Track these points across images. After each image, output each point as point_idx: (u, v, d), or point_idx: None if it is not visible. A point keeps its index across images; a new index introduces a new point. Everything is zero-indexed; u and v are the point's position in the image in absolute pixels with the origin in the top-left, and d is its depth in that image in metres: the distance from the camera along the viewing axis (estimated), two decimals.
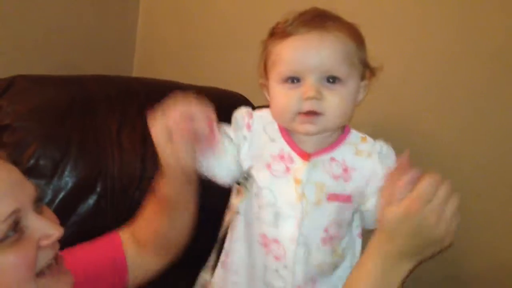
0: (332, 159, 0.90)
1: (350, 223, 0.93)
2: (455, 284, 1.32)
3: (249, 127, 0.93)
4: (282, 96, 0.88)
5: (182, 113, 0.84)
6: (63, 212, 1.17)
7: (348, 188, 0.90)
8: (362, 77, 0.91)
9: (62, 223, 0.77)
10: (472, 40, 1.22)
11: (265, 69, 0.92)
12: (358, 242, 0.97)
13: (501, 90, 1.20)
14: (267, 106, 0.96)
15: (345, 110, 0.88)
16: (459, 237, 1.31)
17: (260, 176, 0.91)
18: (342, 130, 0.94)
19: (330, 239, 0.90)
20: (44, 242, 0.71)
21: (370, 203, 0.92)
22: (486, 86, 1.21)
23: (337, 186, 0.90)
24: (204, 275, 1.02)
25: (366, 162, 0.92)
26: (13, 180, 0.72)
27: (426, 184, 0.75)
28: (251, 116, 0.94)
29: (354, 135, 0.94)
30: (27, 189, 0.73)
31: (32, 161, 1.16)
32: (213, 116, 0.87)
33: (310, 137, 0.90)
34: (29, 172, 1.16)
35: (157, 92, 1.11)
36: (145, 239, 0.99)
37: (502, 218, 1.23)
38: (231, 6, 1.71)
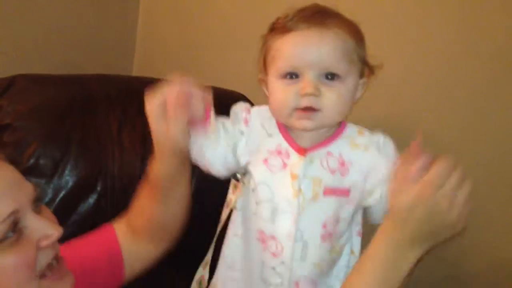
0: (329, 153, 0.90)
1: (349, 221, 0.93)
2: (455, 284, 1.32)
3: (246, 122, 0.93)
4: (280, 91, 0.88)
5: (180, 90, 0.84)
6: (63, 211, 1.17)
7: (345, 182, 0.90)
8: (361, 75, 0.91)
9: (63, 222, 0.77)
10: (472, 40, 1.22)
11: (264, 64, 0.92)
12: (357, 240, 0.96)
13: (501, 90, 1.20)
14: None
15: (343, 107, 0.88)
16: (459, 237, 1.31)
17: (257, 172, 0.91)
18: (339, 124, 0.94)
19: (329, 236, 0.90)
20: (44, 243, 0.71)
21: (373, 198, 0.91)
22: (486, 86, 1.21)
23: (333, 180, 0.89)
24: (201, 271, 1.02)
25: (364, 155, 0.91)
26: (11, 180, 0.71)
27: (438, 169, 0.74)
28: (248, 111, 0.94)
29: (351, 129, 0.93)
30: (26, 189, 0.72)
31: (32, 161, 1.16)
32: (210, 99, 0.87)
33: (307, 132, 0.90)
34: (30, 172, 1.16)
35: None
36: (140, 227, 0.98)
37: (502, 218, 1.23)
38: (231, 6, 1.71)
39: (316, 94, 0.85)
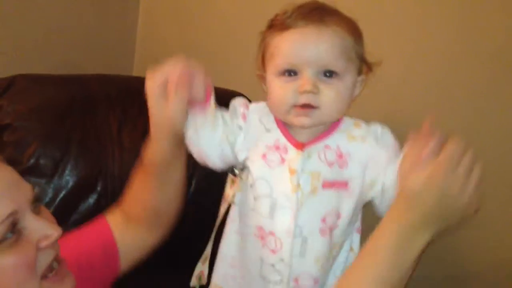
0: (326, 146, 0.90)
1: (351, 217, 0.92)
2: (455, 284, 1.32)
3: (244, 117, 0.93)
4: (279, 88, 0.88)
5: (182, 70, 0.84)
6: (63, 211, 1.18)
7: (344, 174, 0.90)
8: (359, 72, 0.91)
9: (63, 222, 0.77)
10: (472, 40, 1.22)
11: (262, 61, 0.93)
12: (356, 237, 0.96)
13: (501, 90, 1.20)
14: None
15: (341, 105, 0.88)
16: (459, 237, 1.31)
17: (256, 167, 0.91)
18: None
19: (329, 230, 0.90)
20: (43, 243, 0.71)
21: (375, 190, 0.91)
22: (486, 86, 1.21)
23: (332, 173, 0.89)
24: (200, 266, 1.02)
25: (362, 146, 0.91)
26: (10, 181, 0.71)
27: (450, 150, 0.74)
28: (247, 106, 0.94)
29: (347, 122, 0.94)
30: (24, 189, 0.72)
31: (32, 160, 1.16)
32: (211, 83, 0.87)
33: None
34: (30, 171, 1.16)
35: None
36: (135, 215, 0.97)
37: (502, 218, 1.23)
38: (231, 6, 1.71)
39: (315, 91, 0.85)
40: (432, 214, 0.75)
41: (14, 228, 0.68)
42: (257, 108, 0.95)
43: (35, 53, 1.69)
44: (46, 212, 0.76)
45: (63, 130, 1.20)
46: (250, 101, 1.31)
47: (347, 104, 0.90)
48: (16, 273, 0.68)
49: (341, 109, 0.89)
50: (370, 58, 0.91)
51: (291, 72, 0.87)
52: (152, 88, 0.86)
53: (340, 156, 0.90)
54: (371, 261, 0.78)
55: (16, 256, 0.68)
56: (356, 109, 0.95)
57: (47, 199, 1.15)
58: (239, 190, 0.95)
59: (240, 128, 0.93)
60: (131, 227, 0.98)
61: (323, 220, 0.89)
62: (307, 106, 0.86)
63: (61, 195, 1.17)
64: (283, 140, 0.91)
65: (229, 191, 0.98)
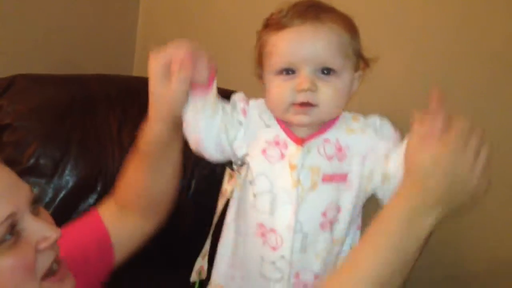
0: (326, 140, 0.90)
1: (351, 212, 0.92)
2: (455, 284, 1.32)
3: (244, 112, 0.93)
4: (277, 87, 0.88)
5: (187, 51, 0.84)
6: (63, 211, 1.18)
7: (343, 167, 0.90)
8: (356, 68, 0.91)
9: (63, 222, 0.77)
10: (472, 40, 1.22)
11: (260, 60, 0.93)
12: (357, 234, 0.96)
13: (501, 90, 1.20)
14: None
15: (339, 102, 0.89)
16: (459, 237, 1.31)
17: (256, 163, 0.91)
18: None
19: (329, 224, 0.90)
20: (42, 245, 0.70)
21: (374, 182, 0.90)
22: (486, 86, 1.22)
23: (331, 166, 0.89)
24: (200, 261, 1.02)
25: (361, 138, 0.91)
26: (8, 182, 0.71)
27: (460, 127, 0.72)
28: (247, 102, 0.94)
29: (345, 116, 0.94)
30: (23, 191, 0.72)
31: (32, 160, 1.16)
32: (215, 67, 0.87)
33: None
34: (30, 171, 1.16)
35: None
36: (129, 202, 0.97)
37: (502, 218, 1.23)
38: (231, 6, 1.71)
39: (313, 89, 0.85)
40: (441, 192, 0.72)
41: (13, 229, 0.68)
42: (257, 104, 0.95)
43: (35, 53, 1.69)
44: (45, 213, 0.76)
45: (63, 130, 1.20)
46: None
47: (346, 101, 0.90)
48: (14, 275, 0.67)
49: (340, 106, 0.90)
50: (366, 54, 0.92)
51: (288, 71, 0.87)
52: (155, 67, 0.86)
53: (340, 149, 0.90)
54: (376, 241, 0.75)
55: (14, 258, 0.67)
56: (357, 109, 0.95)
57: (47, 199, 1.15)
58: (237, 186, 0.95)
59: (241, 123, 0.93)
60: (125, 216, 0.97)
61: (324, 214, 0.89)
62: (305, 104, 0.86)
63: (61, 195, 1.17)
64: (283, 135, 0.91)
65: (227, 186, 0.97)
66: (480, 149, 0.73)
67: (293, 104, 0.87)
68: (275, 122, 0.93)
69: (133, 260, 1.31)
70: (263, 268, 0.92)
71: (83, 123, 1.22)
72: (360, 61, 0.91)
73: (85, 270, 0.88)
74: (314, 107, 0.87)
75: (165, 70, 0.85)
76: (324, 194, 0.89)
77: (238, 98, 0.94)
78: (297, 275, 0.91)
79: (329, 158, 0.90)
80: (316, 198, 0.89)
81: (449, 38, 1.25)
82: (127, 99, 1.28)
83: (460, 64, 1.24)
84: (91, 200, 1.20)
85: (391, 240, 0.74)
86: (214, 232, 0.99)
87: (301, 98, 0.86)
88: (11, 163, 1.19)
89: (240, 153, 0.93)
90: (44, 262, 0.71)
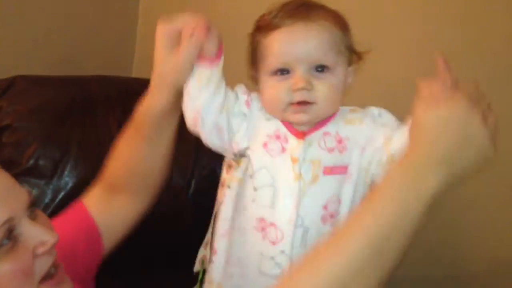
0: (326, 133, 0.91)
1: (351, 205, 0.92)
2: (455, 284, 1.32)
3: (248, 104, 0.93)
4: (272, 88, 0.89)
5: (199, 22, 0.85)
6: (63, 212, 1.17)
7: (343, 159, 0.90)
8: (350, 63, 0.92)
9: None
10: (472, 41, 1.22)
11: (253, 61, 0.93)
12: None
13: (501, 91, 1.20)
14: None
15: (335, 97, 0.89)
16: (459, 237, 1.31)
17: (257, 157, 0.91)
18: None
19: (330, 217, 0.90)
20: (40, 249, 0.70)
21: (373, 168, 0.90)
22: (487, 86, 1.21)
23: (332, 158, 0.90)
24: (202, 250, 1.02)
25: (360, 128, 0.92)
26: (5, 186, 0.70)
27: (469, 89, 0.70)
28: (249, 94, 0.95)
29: (343, 109, 0.94)
30: (20, 195, 0.71)
31: (32, 161, 1.16)
32: (222, 42, 0.87)
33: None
34: (29, 172, 1.16)
35: None
36: (118, 182, 0.96)
37: (502, 218, 1.23)
38: (231, 6, 1.71)
39: (308, 88, 0.86)
40: (447, 152, 0.69)
41: (10, 234, 0.68)
42: (257, 98, 0.95)
43: (35, 53, 1.68)
44: (43, 217, 0.75)
45: (63, 131, 1.20)
46: None
47: (342, 96, 0.91)
48: (12, 280, 0.67)
49: (337, 101, 0.90)
50: (358, 47, 0.92)
51: (283, 71, 0.88)
52: (163, 34, 0.86)
53: (340, 141, 0.91)
54: (380, 198, 0.70)
55: (12, 263, 0.67)
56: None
57: (46, 200, 1.15)
58: (235, 180, 0.95)
59: (245, 115, 0.93)
60: (114, 200, 0.97)
61: (325, 207, 0.90)
62: (303, 103, 0.87)
63: (61, 196, 1.17)
64: (283, 129, 0.92)
65: (226, 176, 0.97)
66: (488, 114, 0.71)
67: (291, 103, 0.88)
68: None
69: (133, 261, 1.31)
70: (262, 264, 0.92)
71: (83, 124, 1.22)
72: (353, 55, 0.92)
73: (74, 264, 0.87)
74: (312, 104, 0.87)
75: (174, 38, 0.85)
76: (325, 187, 0.90)
77: (240, 90, 0.95)
78: None
79: (330, 150, 0.90)
80: (317, 191, 0.89)
81: (450, 38, 1.25)
82: (127, 100, 1.27)
83: (460, 64, 1.24)
84: None
85: (394, 198, 0.68)
86: (214, 222, 0.99)
87: (298, 97, 0.87)
88: (10, 164, 1.19)
89: (241, 145, 0.93)
90: (42, 266, 0.70)
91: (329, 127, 0.92)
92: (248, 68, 0.95)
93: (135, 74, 1.96)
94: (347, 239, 0.68)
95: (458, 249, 1.30)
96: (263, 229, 0.91)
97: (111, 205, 0.97)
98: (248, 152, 0.92)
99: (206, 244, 1.01)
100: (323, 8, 0.90)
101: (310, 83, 0.86)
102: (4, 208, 0.67)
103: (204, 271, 1.01)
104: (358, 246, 0.66)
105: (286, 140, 0.91)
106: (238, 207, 0.94)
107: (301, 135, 0.90)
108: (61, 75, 1.38)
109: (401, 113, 1.32)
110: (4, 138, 1.17)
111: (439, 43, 1.27)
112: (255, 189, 0.91)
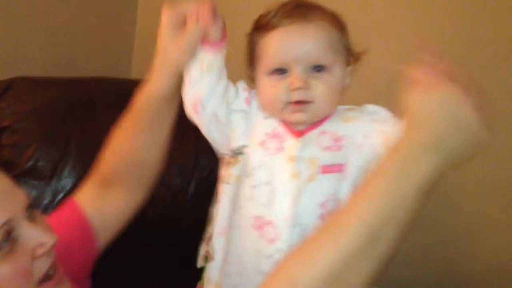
0: (323, 132, 0.91)
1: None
2: (455, 284, 1.32)
3: (248, 102, 0.94)
4: (270, 87, 0.89)
5: (205, 6, 0.85)
6: None
7: (341, 157, 0.91)
8: (347, 63, 0.92)
9: None
10: (473, 41, 1.22)
11: (251, 61, 0.93)
12: None
13: (502, 91, 1.20)
14: None
15: (333, 97, 0.90)
16: (459, 237, 1.31)
17: (255, 155, 0.91)
18: None
19: (328, 215, 0.90)
20: (39, 251, 0.70)
21: (372, 166, 0.90)
22: (487, 87, 1.21)
23: (329, 157, 0.90)
24: (205, 246, 1.02)
25: (356, 125, 0.92)
26: (4, 188, 0.70)
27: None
28: (249, 91, 0.95)
29: (340, 108, 0.95)
30: (18, 197, 0.71)
31: (31, 163, 1.16)
32: (226, 27, 0.88)
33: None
34: (28, 174, 1.16)
35: None
36: (113, 174, 0.96)
37: (502, 219, 1.23)
38: (231, 7, 1.71)
39: (306, 87, 0.87)
40: (442, 135, 0.67)
41: (9, 236, 0.67)
42: (256, 95, 0.95)
43: (34, 54, 1.69)
44: (41, 218, 0.75)
45: (62, 132, 1.20)
46: None
47: (339, 96, 0.91)
48: (11, 282, 0.67)
49: (334, 101, 0.91)
50: (356, 48, 0.92)
51: (281, 71, 0.88)
52: (169, 18, 0.87)
53: (337, 139, 0.91)
54: (374, 183, 0.69)
55: (11, 264, 0.67)
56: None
57: (45, 202, 1.15)
58: (231, 178, 0.94)
59: (245, 112, 0.93)
60: (108, 194, 0.96)
61: (322, 205, 0.90)
62: (301, 102, 0.87)
63: (60, 197, 1.17)
64: (280, 128, 0.92)
65: (225, 172, 0.97)
66: (479, 98, 0.69)
67: (289, 103, 0.88)
68: None
69: (133, 261, 1.31)
70: (259, 262, 0.92)
71: (82, 125, 1.22)
72: (350, 55, 0.92)
73: (69, 263, 0.86)
74: (310, 103, 0.88)
75: (179, 21, 0.85)
76: (322, 185, 0.90)
77: (241, 87, 0.95)
78: None
79: (327, 149, 0.90)
80: (315, 189, 0.89)
81: (451, 38, 1.25)
82: (126, 102, 1.28)
83: (461, 64, 1.24)
84: None
85: (387, 181, 0.67)
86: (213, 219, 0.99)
87: (296, 96, 0.87)
88: (9, 165, 1.19)
89: (239, 142, 0.93)
90: (41, 268, 0.70)
91: (326, 126, 0.92)
92: (246, 68, 0.95)
93: (134, 75, 1.96)
94: (341, 227, 0.67)
95: (458, 249, 1.30)
96: (260, 228, 0.91)
97: (105, 200, 0.96)
98: (246, 150, 0.92)
99: (208, 239, 1.01)
100: (320, 9, 0.90)
101: (308, 83, 0.87)
102: (3, 210, 0.67)
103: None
104: (353, 233, 0.66)
105: (284, 139, 0.91)
106: (235, 205, 0.94)
107: (298, 134, 0.91)
108: (61, 76, 1.38)
109: (399, 112, 1.33)
110: (3, 139, 1.17)
111: (437, 43, 1.27)
112: (252, 187, 0.91)
